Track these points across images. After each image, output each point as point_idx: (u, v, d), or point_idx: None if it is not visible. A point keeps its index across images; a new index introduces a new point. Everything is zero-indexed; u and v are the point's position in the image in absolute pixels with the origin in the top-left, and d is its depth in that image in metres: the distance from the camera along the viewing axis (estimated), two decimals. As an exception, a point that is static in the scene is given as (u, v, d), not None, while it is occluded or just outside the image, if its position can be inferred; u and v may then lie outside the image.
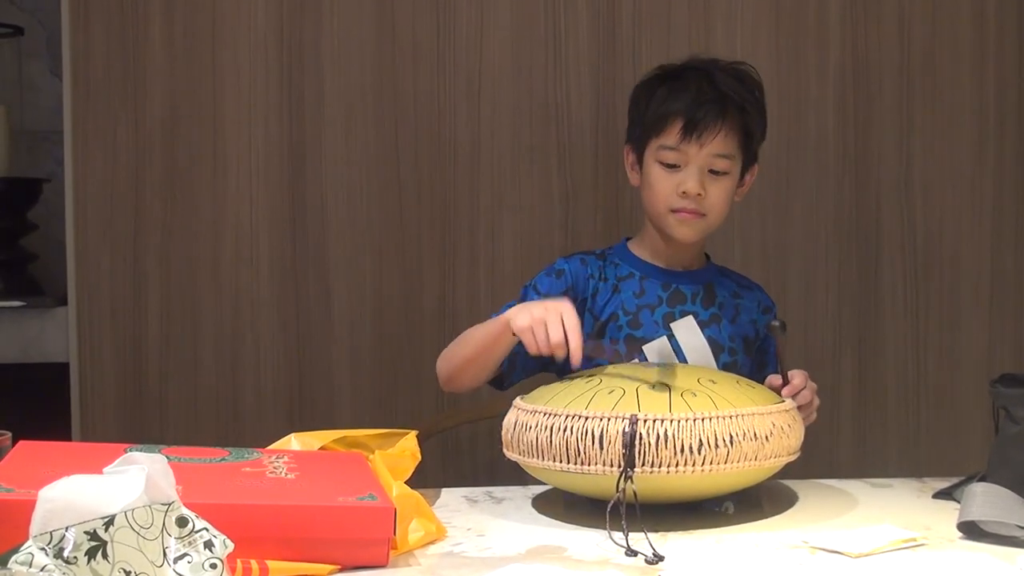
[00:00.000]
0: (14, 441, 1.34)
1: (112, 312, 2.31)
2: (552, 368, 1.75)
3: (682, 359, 1.76)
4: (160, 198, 2.31)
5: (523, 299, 1.76)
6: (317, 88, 2.32)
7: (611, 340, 1.77)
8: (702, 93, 1.72)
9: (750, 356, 1.84)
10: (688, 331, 1.78)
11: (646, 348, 1.75)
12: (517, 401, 1.52)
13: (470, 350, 1.70)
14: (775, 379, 1.62)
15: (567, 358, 1.55)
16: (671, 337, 1.77)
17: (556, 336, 1.53)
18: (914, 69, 2.36)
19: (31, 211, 2.63)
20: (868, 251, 2.37)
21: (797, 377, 1.62)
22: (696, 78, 1.75)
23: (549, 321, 1.54)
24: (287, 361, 2.32)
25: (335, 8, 2.31)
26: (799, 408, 1.57)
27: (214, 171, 2.32)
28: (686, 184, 1.72)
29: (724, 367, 1.76)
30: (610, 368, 1.56)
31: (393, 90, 2.33)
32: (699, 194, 1.73)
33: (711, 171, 1.74)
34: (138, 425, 2.29)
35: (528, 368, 1.75)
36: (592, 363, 1.66)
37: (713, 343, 1.78)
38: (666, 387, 1.44)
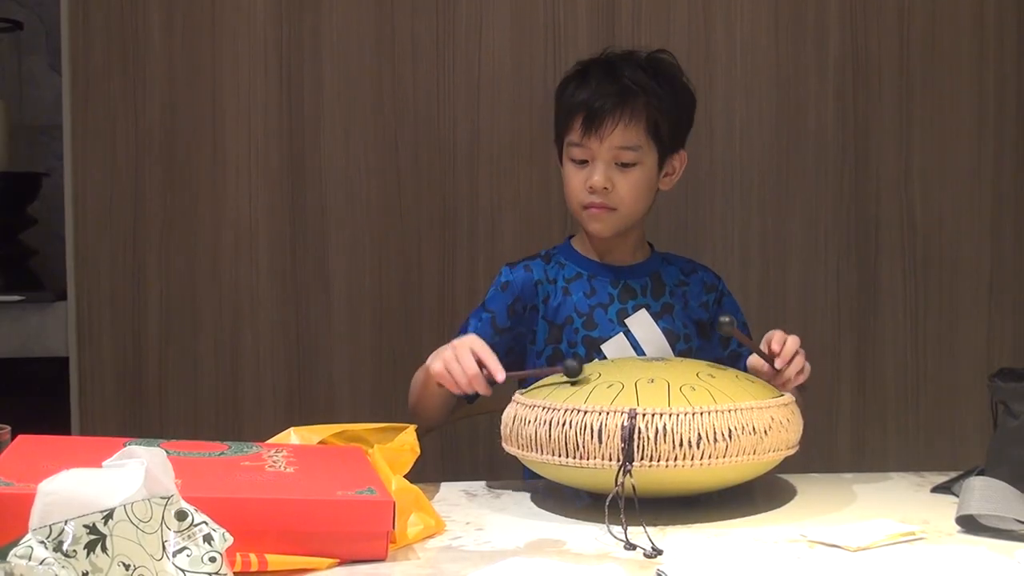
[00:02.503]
0: (13, 435, 1.34)
1: (112, 307, 2.31)
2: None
3: (640, 353, 1.76)
4: (159, 193, 2.32)
5: (476, 316, 1.79)
6: (316, 83, 2.32)
7: (568, 343, 1.78)
8: (601, 87, 1.72)
9: (707, 339, 1.83)
10: (643, 325, 1.78)
11: (604, 347, 1.76)
12: (516, 395, 1.52)
13: (416, 394, 1.75)
14: (759, 361, 1.60)
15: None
16: (627, 333, 1.78)
17: (471, 370, 1.54)
18: (913, 64, 2.36)
19: (30, 206, 2.63)
20: (867, 246, 2.37)
21: (778, 344, 1.58)
22: (598, 71, 1.74)
23: (461, 358, 1.55)
24: (286, 355, 2.32)
25: (334, 3, 2.32)
26: (797, 374, 1.58)
27: (213, 166, 2.32)
28: (592, 178, 1.73)
29: (680, 355, 1.77)
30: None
31: (392, 86, 2.33)
32: (606, 188, 1.72)
33: (620, 164, 1.73)
34: (137, 419, 2.30)
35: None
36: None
37: (668, 333, 1.79)
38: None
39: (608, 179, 1.72)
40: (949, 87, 2.37)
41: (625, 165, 1.74)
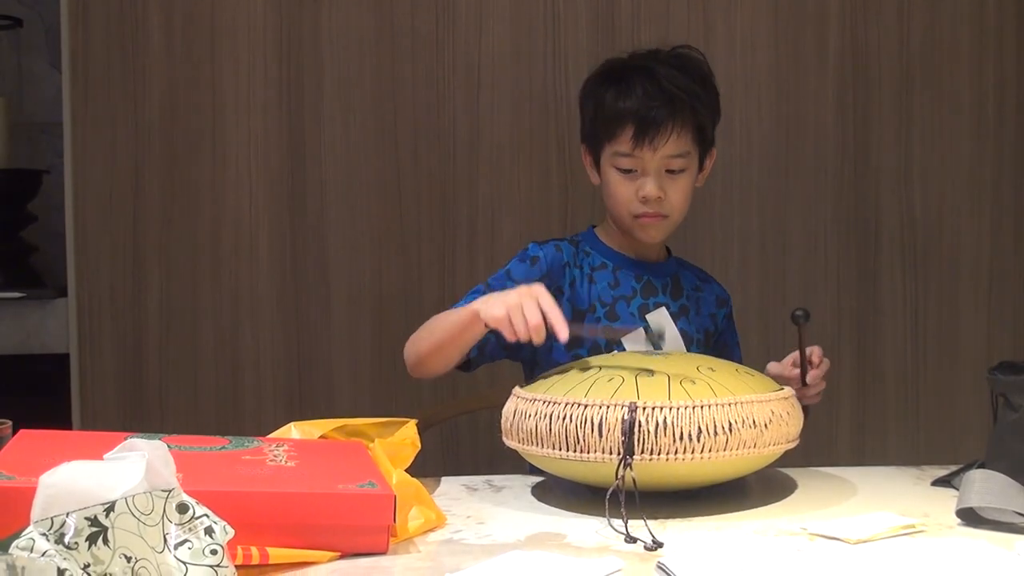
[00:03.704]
0: (14, 431, 1.34)
1: (112, 303, 2.31)
2: (520, 356, 1.77)
3: (658, 349, 1.76)
4: (159, 189, 2.32)
5: (492, 287, 1.69)
6: (316, 79, 2.32)
7: (589, 330, 1.76)
8: (649, 96, 1.70)
9: (709, 349, 1.84)
10: (662, 322, 1.79)
11: (625, 339, 1.76)
12: (517, 390, 1.52)
13: (437, 338, 1.65)
14: (781, 368, 1.65)
15: (548, 344, 1.54)
16: (647, 328, 1.78)
17: (534, 319, 1.47)
18: (913, 60, 2.36)
19: (31, 203, 2.63)
20: (867, 242, 2.38)
21: (817, 357, 1.65)
22: (641, 78, 1.72)
23: (525, 306, 1.48)
24: (287, 351, 2.33)
25: (334, 1, 2.31)
26: (815, 392, 1.64)
27: (213, 162, 2.32)
28: (645, 189, 1.72)
29: None
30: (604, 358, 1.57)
31: (392, 81, 2.33)
32: (659, 197, 1.72)
33: (668, 171, 1.73)
34: (138, 415, 2.30)
35: (496, 355, 1.74)
36: (573, 347, 1.71)
37: (684, 335, 1.80)
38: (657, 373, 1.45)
39: (660, 188, 1.72)
40: (949, 84, 2.37)
41: (674, 172, 1.73)
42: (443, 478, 1.59)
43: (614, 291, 1.80)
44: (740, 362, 1.85)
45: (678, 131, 1.71)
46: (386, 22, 2.33)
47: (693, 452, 1.36)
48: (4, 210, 2.58)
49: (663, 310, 1.80)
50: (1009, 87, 2.38)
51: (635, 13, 2.34)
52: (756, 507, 1.44)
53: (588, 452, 1.38)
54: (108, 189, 2.31)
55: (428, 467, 1.54)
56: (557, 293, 1.76)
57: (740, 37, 2.35)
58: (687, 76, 1.73)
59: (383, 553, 1.23)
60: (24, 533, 0.97)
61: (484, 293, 1.65)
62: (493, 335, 1.66)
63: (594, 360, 1.54)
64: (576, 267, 1.80)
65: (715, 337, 1.87)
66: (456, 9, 2.33)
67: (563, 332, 1.47)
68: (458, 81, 2.34)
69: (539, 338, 1.48)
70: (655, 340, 1.73)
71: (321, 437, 1.52)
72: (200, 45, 2.31)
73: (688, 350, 1.79)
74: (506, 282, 1.71)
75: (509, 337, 1.51)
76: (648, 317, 1.78)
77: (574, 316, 1.78)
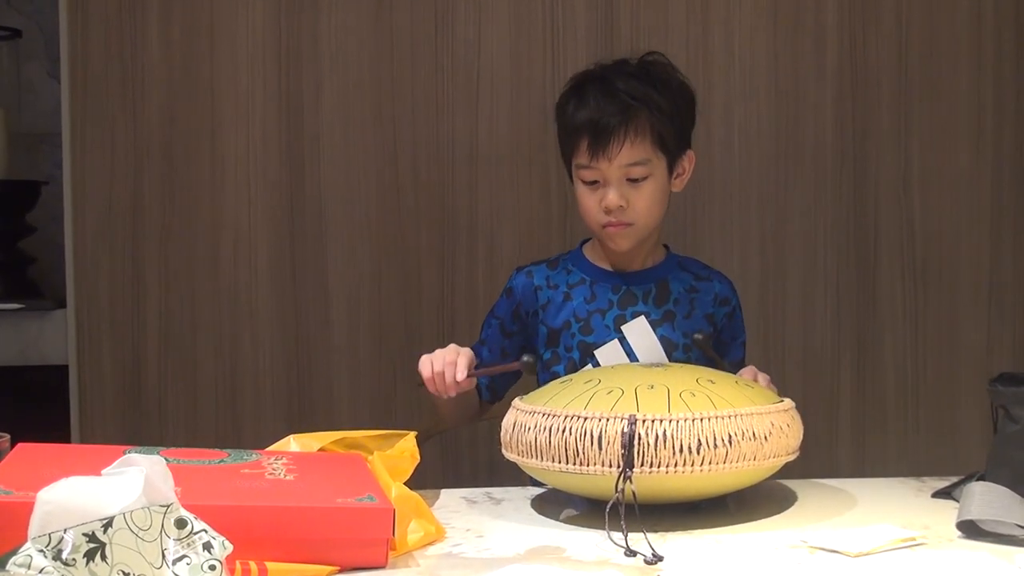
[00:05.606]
0: (13, 444, 1.34)
1: (111, 314, 2.31)
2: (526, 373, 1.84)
3: (634, 360, 1.76)
4: (158, 200, 2.32)
5: (487, 323, 1.87)
6: (315, 89, 2.32)
7: (565, 348, 1.79)
8: (600, 107, 1.70)
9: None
10: (639, 332, 1.78)
11: (597, 352, 1.76)
12: (516, 402, 1.52)
13: (434, 405, 1.80)
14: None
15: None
16: (623, 340, 1.77)
17: (438, 367, 1.65)
18: (912, 70, 2.36)
19: (29, 214, 2.63)
20: (866, 252, 2.38)
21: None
22: (595, 90, 1.73)
23: (434, 362, 1.65)
24: (286, 363, 2.32)
25: (333, 8, 2.32)
26: None
27: (212, 173, 2.32)
28: (607, 199, 1.72)
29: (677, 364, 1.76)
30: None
31: (391, 91, 2.33)
32: (621, 206, 1.72)
33: (630, 179, 1.72)
34: (137, 427, 2.30)
35: (506, 384, 1.86)
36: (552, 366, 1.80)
37: (666, 342, 1.78)
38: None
39: (622, 197, 1.72)
40: (947, 94, 2.37)
41: (636, 180, 1.73)
42: (442, 490, 1.59)
43: (589, 305, 1.80)
44: (742, 361, 1.85)
45: (632, 139, 1.70)
46: (385, 31, 2.33)
47: (693, 465, 1.36)
48: (3, 221, 2.58)
49: (641, 319, 1.79)
50: (1007, 96, 2.38)
51: (634, 22, 2.34)
52: (756, 520, 1.43)
53: (587, 465, 1.37)
54: (107, 200, 2.31)
55: (427, 479, 1.54)
56: (533, 317, 1.84)
57: (739, 45, 2.35)
58: (645, 83, 1.73)
59: (382, 567, 1.23)
60: (21, 550, 0.97)
61: (488, 327, 1.86)
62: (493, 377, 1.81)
63: (593, 373, 1.54)
64: (551, 287, 1.82)
65: (716, 336, 1.85)
66: (455, 18, 2.33)
67: (460, 374, 1.64)
68: (457, 91, 2.34)
69: (450, 375, 1.65)
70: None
71: (320, 449, 1.52)
72: (199, 55, 2.31)
73: (670, 356, 1.78)
74: (492, 319, 1.87)
75: (436, 394, 1.67)
76: (624, 328, 1.78)
77: (549, 335, 1.80)
